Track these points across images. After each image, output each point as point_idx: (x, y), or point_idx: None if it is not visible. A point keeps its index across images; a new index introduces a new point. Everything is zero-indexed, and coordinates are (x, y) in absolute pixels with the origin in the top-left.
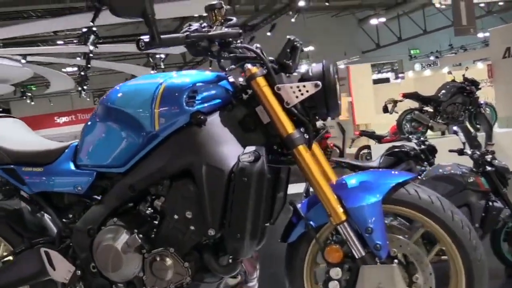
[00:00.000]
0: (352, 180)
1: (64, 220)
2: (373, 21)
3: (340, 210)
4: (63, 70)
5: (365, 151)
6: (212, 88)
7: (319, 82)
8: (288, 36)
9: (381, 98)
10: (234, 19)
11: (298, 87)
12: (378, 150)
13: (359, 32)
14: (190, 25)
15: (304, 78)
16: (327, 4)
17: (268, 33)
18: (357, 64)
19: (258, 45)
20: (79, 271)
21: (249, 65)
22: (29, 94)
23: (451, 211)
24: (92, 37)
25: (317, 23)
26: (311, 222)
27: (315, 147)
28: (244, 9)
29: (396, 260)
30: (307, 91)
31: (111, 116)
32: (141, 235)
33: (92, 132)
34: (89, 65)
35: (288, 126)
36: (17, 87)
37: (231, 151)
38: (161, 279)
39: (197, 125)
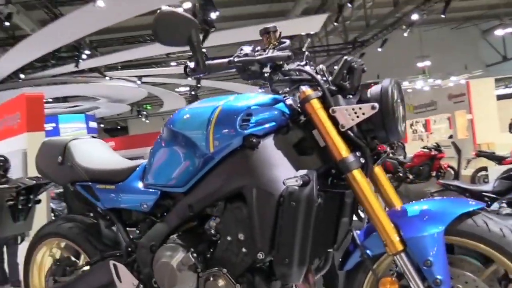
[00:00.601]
0: (414, 207)
1: (131, 235)
2: (499, 32)
3: (396, 239)
4: (175, 90)
5: (482, 173)
6: (268, 111)
7: (376, 104)
8: (345, 57)
9: (507, 115)
10: (287, 42)
11: (354, 109)
12: (497, 173)
13: (483, 44)
14: (241, 49)
15: (362, 99)
16: (443, 16)
17: (379, 49)
18: (479, 79)
19: (323, 66)
20: (142, 285)
21: (303, 87)
22: (144, 113)
23: None
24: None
25: (434, 36)
26: (368, 251)
27: (379, 170)
28: (355, 25)
29: None
30: (363, 114)
31: (173, 138)
32: (195, 255)
33: (157, 153)
34: (199, 85)
35: (343, 150)
36: (133, 106)
37: (284, 175)
38: None
39: (250, 148)
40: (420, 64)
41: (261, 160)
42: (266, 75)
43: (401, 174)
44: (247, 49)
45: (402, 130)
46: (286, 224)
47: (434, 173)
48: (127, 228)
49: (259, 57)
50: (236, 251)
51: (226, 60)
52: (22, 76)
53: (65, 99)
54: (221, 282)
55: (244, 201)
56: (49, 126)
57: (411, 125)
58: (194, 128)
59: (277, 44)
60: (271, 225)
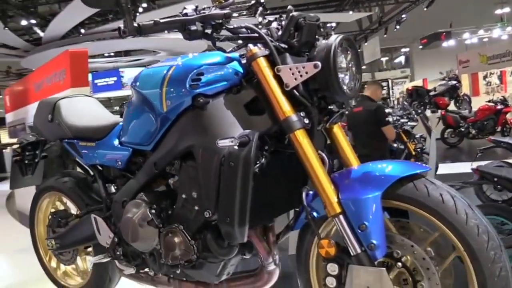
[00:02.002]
0: (359, 169)
1: (109, 191)
2: None
3: (335, 201)
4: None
5: None
6: (220, 70)
7: (318, 63)
8: (291, 13)
9: None
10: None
11: (297, 68)
12: None
13: None
14: (184, 8)
15: (310, 57)
16: None
17: (425, 8)
18: None
19: (277, 23)
20: (117, 238)
21: (251, 45)
22: None
23: (466, 213)
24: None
25: None
26: (313, 213)
27: (337, 130)
28: None
29: (399, 263)
30: (306, 73)
31: (136, 98)
32: (154, 211)
33: (127, 112)
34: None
35: (285, 109)
36: None
37: (231, 135)
38: (173, 254)
39: (199, 108)
40: (498, 11)
41: (209, 120)
42: (207, 33)
43: (463, 129)
44: (189, 8)
45: (351, 90)
46: (225, 184)
47: (499, 129)
48: (109, 184)
49: (191, 17)
50: (190, 208)
51: (155, 21)
52: (82, 31)
53: (126, 53)
54: (177, 238)
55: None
56: (110, 80)
57: (485, 77)
58: (150, 88)
59: (223, 2)
60: (215, 185)
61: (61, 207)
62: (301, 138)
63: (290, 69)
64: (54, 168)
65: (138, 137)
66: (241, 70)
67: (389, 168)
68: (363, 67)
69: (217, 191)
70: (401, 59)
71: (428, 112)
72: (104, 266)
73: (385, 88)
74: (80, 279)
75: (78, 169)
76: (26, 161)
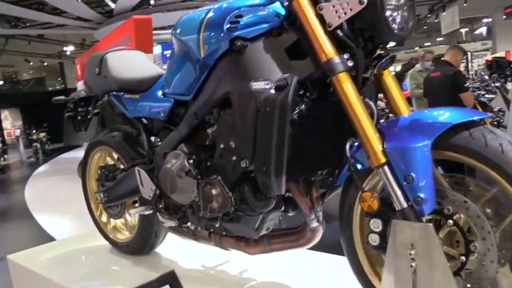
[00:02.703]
0: (409, 117)
1: (153, 144)
2: None
3: (379, 150)
4: None
5: None
6: (259, 12)
7: None
8: None
9: None
10: None
11: (341, 4)
12: None
13: None
14: None
15: None
16: None
17: None
18: None
19: None
20: (158, 191)
21: None
22: None
23: None
24: None
25: None
26: (357, 165)
27: (387, 76)
28: None
29: (450, 221)
30: (351, 10)
31: (177, 46)
32: (192, 161)
33: (170, 62)
34: None
35: (327, 50)
36: None
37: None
38: (211, 206)
39: (237, 52)
40: None
41: (247, 64)
42: None
43: None
44: None
45: (401, 29)
46: (261, 131)
47: None
48: (153, 138)
49: None
50: (228, 158)
51: None
52: (152, 2)
53: None
54: (215, 190)
55: None
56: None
57: None
58: (188, 33)
59: None
60: (251, 132)
61: (111, 163)
62: (344, 82)
63: (333, 6)
64: (106, 124)
65: (179, 87)
66: (282, 11)
67: (443, 115)
68: (440, 38)
69: (253, 139)
70: (482, 30)
71: (509, 85)
72: (150, 221)
73: (464, 61)
74: (128, 233)
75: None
76: (79, 117)
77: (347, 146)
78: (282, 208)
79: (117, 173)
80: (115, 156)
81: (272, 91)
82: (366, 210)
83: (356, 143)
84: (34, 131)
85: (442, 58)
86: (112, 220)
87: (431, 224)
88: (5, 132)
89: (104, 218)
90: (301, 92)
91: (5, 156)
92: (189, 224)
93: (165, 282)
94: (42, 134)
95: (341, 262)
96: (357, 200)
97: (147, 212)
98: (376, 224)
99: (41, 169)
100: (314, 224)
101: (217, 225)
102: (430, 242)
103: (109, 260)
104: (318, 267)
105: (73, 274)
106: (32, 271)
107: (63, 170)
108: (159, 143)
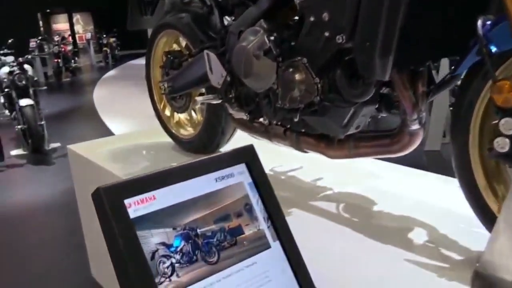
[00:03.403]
0: None
1: (227, 24)
2: None
3: None
4: None
5: None
6: None
7: None
8: None
9: None
10: None
11: None
12: None
13: None
14: None
15: None
16: None
17: None
18: None
19: None
20: (229, 77)
21: None
22: None
23: None
24: None
25: None
26: (491, 45)
27: None
28: None
29: None
30: None
31: None
32: (273, 38)
33: None
34: None
35: None
36: None
37: None
38: (291, 94)
39: None
40: None
41: None
42: None
43: None
44: None
45: None
46: None
47: None
48: (227, 17)
49: None
50: (318, 35)
51: None
52: None
53: None
54: (299, 75)
55: None
56: None
57: None
58: None
59: None
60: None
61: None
62: None
63: None
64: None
65: None
66: None
67: None
68: None
69: (356, 8)
70: None
71: None
72: (217, 116)
73: None
74: (192, 130)
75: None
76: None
77: (479, 23)
78: (377, 104)
79: (183, 59)
80: (183, 43)
81: None
82: (500, 104)
83: (489, 22)
84: (104, 35)
85: None
86: (175, 115)
87: None
88: (76, 36)
89: (167, 112)
90: None
91: (76, 58)
92: (261, 119)
93: (241, 158)
94: (112, 39)
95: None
96: (482, 93)
97: (214, 101)
98: (508, 125)
99: (110, 73)
100: (415, 126)
101: (295, 119)
102: None
103: (169, 156)
104: (401, 180)
105: (131, 167)
106: (90, 161)
107: (131, 76)
108: (232, 21)
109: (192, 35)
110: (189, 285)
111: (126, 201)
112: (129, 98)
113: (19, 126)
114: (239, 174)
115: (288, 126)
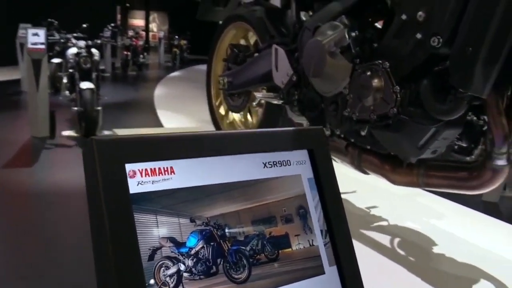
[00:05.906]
0: None
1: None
2: None
3: None
4: None
5: None
6: None
7: None
8: None
9: None
10: None
11: None
12: None
13: None
14: None
15: None
16: None
17: None
18: None
19: None
20: (295, 77)
21: None
22: None
23: None
24: None
25: None
26: None
27: None
28: None
29: None
30: None
31: None
32: (356, 37)
33: None
34: None
35: None
36: None
37: None
38: (364, 102)
39: None
40: None
41: None
42: None
43: None
44: None
45: None
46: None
47: None
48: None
49: None
50: (409, 36)
51: None
52: None
53: None
54: (377, 80)
55: None
56: None
57: None
58: None
59: None
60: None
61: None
62: None
63: None
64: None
65: None
66: None
67: None
68: None
69: (462, 6)
70: None
71: None
72: (274, 122)
73: None
74: None
75: None
76: None
77: None
78: (462, 128)
79: (248, 54)
80: (251, 40)
81: None
82: None
83: None
84: (176, 36)
85: None
86: (230, 114)
87: None
88: (150, 34)
89: (222, 110)
90: None
91: (145, 54)
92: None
93: (304, 142)
94: (184, 42)
95: None
96: None
97: (275, 101)
98: None
99: (175, 73)
100: (501, 161)
101: (363, 133)
102: None
103: None
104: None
105: None
106: None
107: (195, 79)
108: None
109: (262, 30)
110: None
111: (129, 167)
112: (189, 99)
113: (75, 108)
114: (298, 164)
115: (352, 140)
